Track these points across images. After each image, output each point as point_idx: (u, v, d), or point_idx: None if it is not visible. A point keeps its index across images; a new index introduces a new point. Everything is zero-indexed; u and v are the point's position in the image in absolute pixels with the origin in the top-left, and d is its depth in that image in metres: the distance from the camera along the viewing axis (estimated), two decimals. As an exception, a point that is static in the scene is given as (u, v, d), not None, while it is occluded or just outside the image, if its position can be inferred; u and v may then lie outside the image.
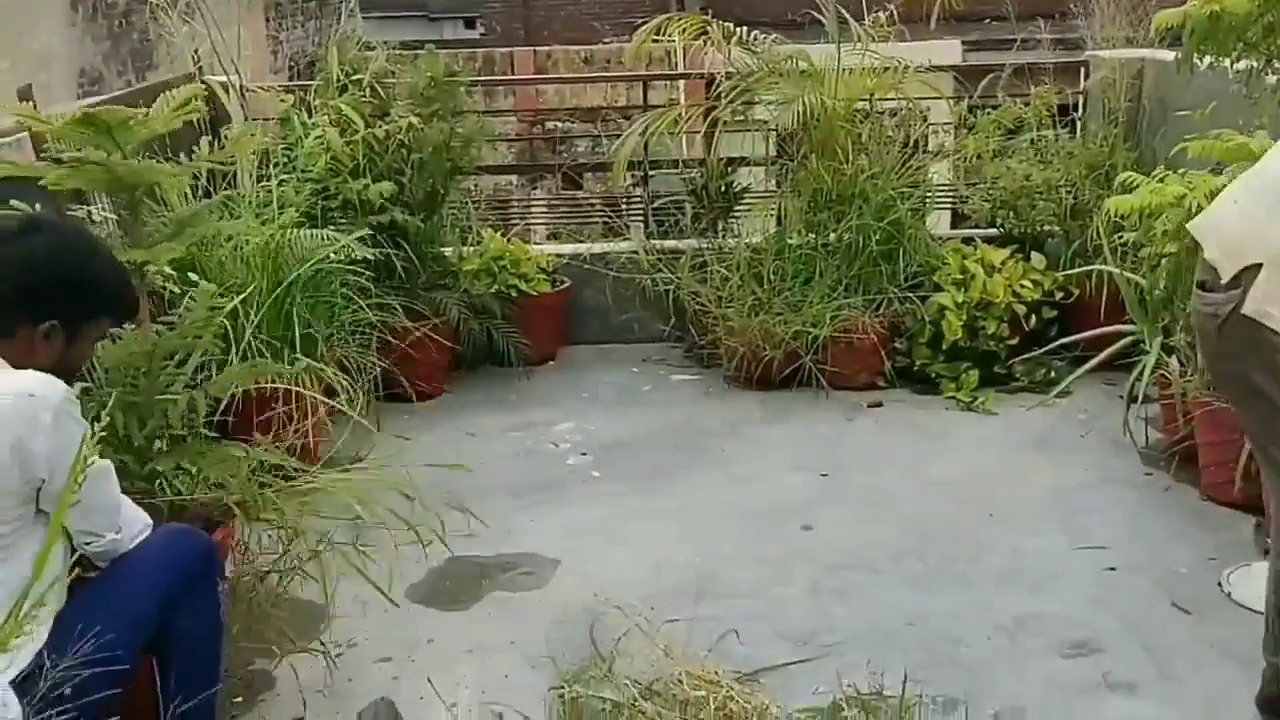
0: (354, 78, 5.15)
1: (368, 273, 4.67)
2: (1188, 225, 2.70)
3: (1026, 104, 5.63)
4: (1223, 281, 2.47)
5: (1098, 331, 4.81)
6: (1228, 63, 3.73)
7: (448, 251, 5.42)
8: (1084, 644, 3.23)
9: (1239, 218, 2.51)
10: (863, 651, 3.15)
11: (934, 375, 5.19)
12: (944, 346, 5.17)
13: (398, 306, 4.85)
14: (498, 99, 8.49)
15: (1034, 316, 5.19)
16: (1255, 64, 3.74)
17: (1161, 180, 3.99)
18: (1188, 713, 2.91)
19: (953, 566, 3.69)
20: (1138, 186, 4.02)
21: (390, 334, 4.78)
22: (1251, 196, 2.51)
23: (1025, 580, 3.59)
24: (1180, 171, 4.03)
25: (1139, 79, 5.52)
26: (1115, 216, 4.17)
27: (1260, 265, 2.41)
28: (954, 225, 6.05)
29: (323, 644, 3.22)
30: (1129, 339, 4.62)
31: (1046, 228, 5.52)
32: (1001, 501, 4.13)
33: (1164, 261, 4.20)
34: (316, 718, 2.98)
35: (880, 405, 5.09)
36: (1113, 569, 3.65)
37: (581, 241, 5.97)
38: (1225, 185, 2.71)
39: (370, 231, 4.75)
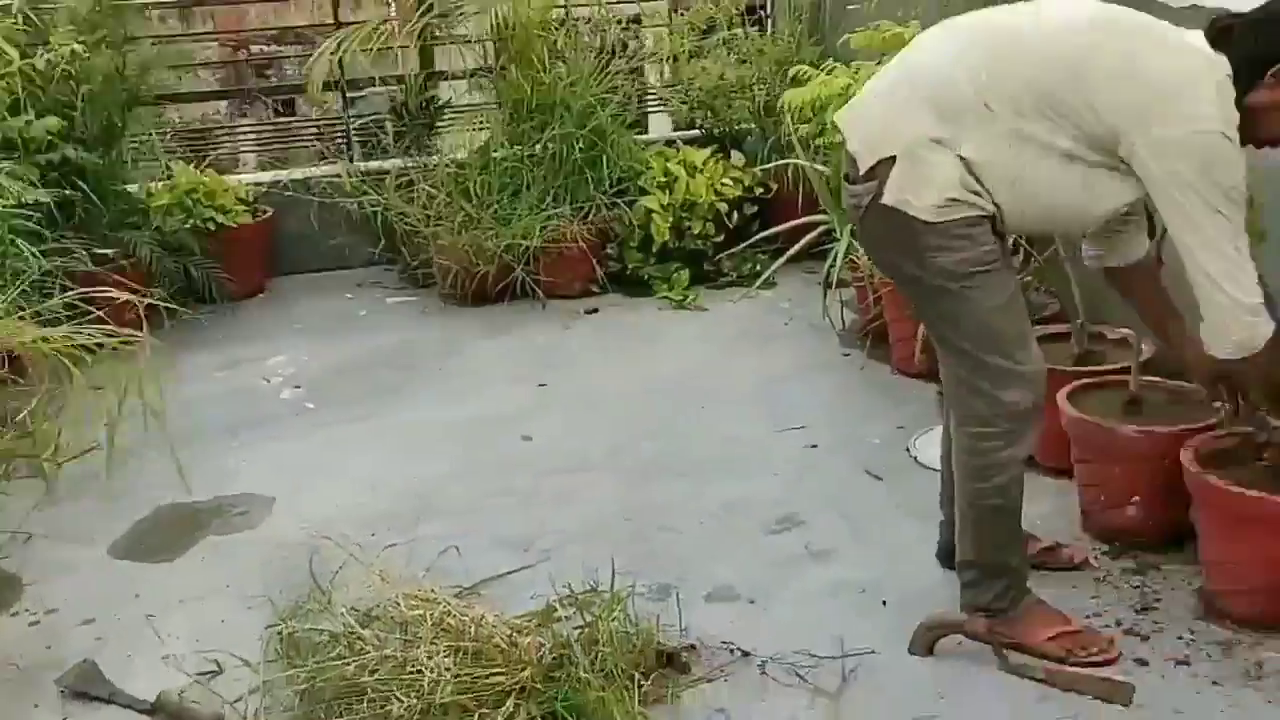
0: (1, 3, 4.74)
1: (37, 215, 4.34)
2: (834, 117, 2.74)
3: (717, 4, 5.74)
4: (861, 173, 2.53)
5: (795, 223, 5.01)
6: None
7: (133, 188, 5.12)
8: (788, 519, 3.41)
9: (881, 111, 2.55)
10: (580, 552, 3.22)
11: (646, 278, 5.31)
12: (654, 249, 5.28)
13: (81, 251, 4.54)
14: (196, 23, 8.00)
15: (736, 213, 5.36)
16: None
17: (830, 73, 4.15)
18: (877, 570, 3.12)
19: (666, 460, 3.81)
20: (810, 80, 4.17)
21: (72, 280, 4.47)
22: (891, 89, 2.55)
23: (734, 466, 3.75)
24: (852, 64, 4.21)
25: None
26: (792, 110, 4.31)
27: (896, 157, 2.47)
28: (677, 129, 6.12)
29: (15, 614, 3.04)
30: (823, 228, 4.84)
31: (744, 126, 5.68)
32: (712, 394, 4.29)
33: (834, 152, 4.37)
34: (11, 694, 2.82)
35: (596, 311, 5.18)
36: (814, 447, 3.86)
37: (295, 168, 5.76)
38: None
39: (39, 171, 4.42)
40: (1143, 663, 2.72)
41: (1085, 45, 2.41)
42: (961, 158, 2.45)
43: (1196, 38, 2.43)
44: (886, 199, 2.48)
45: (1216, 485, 2.77)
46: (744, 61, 5.61)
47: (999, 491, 2.66)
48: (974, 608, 2.76)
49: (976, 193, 2.47)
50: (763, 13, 6.03)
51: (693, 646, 2.79)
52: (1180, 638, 2.80)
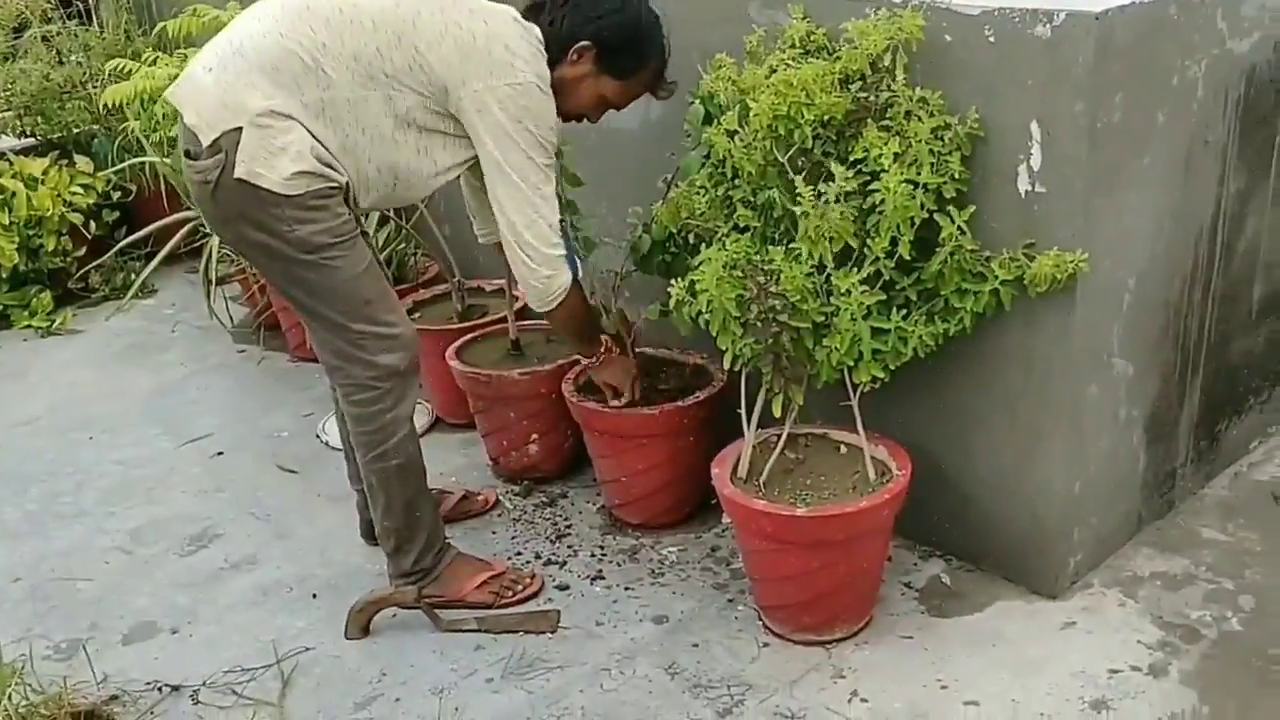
0: None
1: None
2: (165, 94, 2.62)
3: (23, -1, 5.23)
4: (204, 146, 2.45)
5: (161, 223, 4.69)
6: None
7: None
8: (203, 535, 3.25)
9: (214, 83, 2.46)
10: (-33, 628, 2.86)
11: (2, 309, 4.76)
12: (3, 276, 4.74)
13: None
14: None
15: (94, 222, 4.95)
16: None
17: (153, 64, 3.93)
18: (304, 565, 3.06)
19: (57, 503, 3.47)
20: (133, 73, 3.92)
21: None
22: (223, 62, 2.48)
23: (137, 493, 3.50)
24: (177, 52, 4.00)
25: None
26: (114, 105, 4.03)
27: (241, 129, 2.42)
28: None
29: None
30: (193, 223, 4.59)
31: (85, 128, 5.24)
32: (101, 420, 3.96)
33: (176, 146, 4.16)
34: None
35: None
36: (220, 454, 3.69)
37: None
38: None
39: None
40: (564, 587, 2.91)
41: (409, 9, 2.49)
42: (308, 128, 2.44)
43: (508, 9, 2.58)
44: (238, 172, 2.41)
45: (594, 409, 3.00)
46: (68, 59, 5.15)
47: (397, 450, 2.69)
48: (401, 575, 2.79)
49: (329, 165, 2.47)
50: (81, 5, 5.56)
51: (115, 697, 2.59)
52: (592, 555, 3.03)
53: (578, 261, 2.74)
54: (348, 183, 2.53)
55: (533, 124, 2.51)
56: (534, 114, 2.51)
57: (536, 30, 2.58)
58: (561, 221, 2.62)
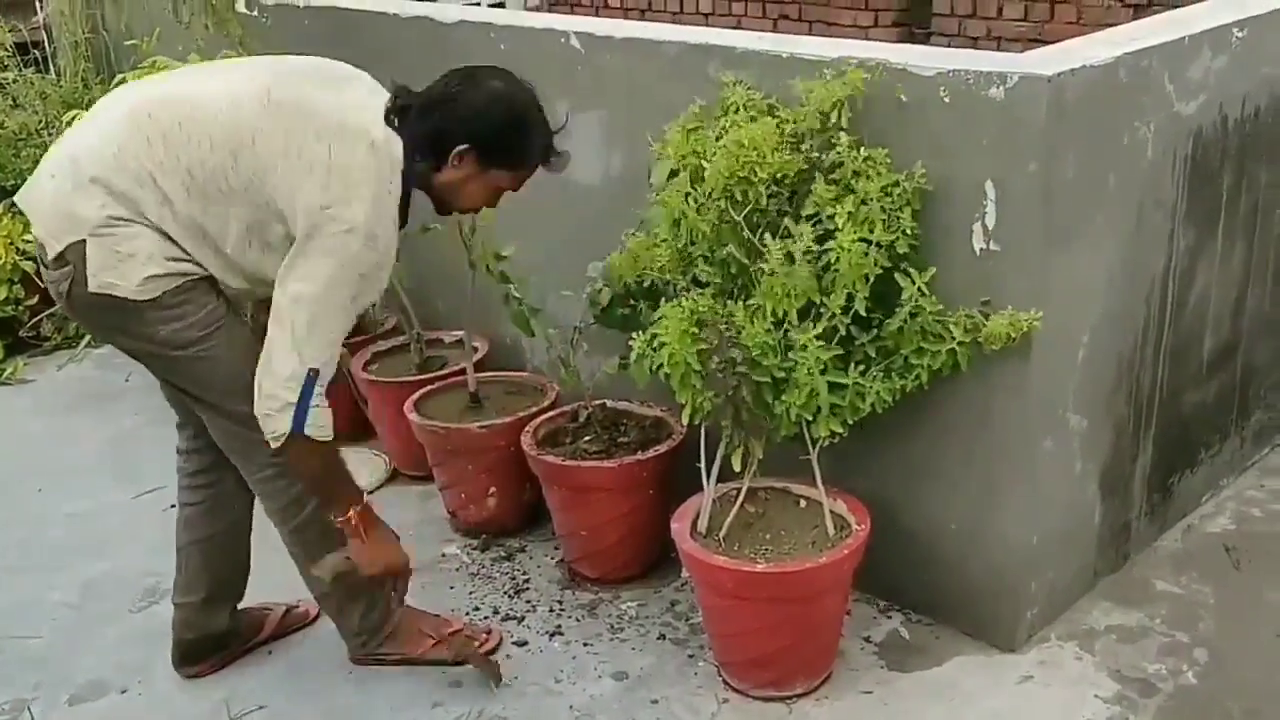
0: None
1: None
2: (15, 198, 2.46)
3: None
4: (51, 259, 2.34)
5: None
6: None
7: None
8: (155, 590, 3.18)
9: (54, 193, 2.34)
10: (-92, 689, 2.79)
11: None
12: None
13: None
14: None
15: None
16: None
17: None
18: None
19: (4, 557, 3.40)
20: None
21: None
22: (62, 171, 2.36)
23: (89, 545, 3.44)
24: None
25: (97, 8, 5.36)
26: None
27: (84, 240, 2.30)
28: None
29: None
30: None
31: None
32: (52, 471, 3.90)
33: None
34: None
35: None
36: (174, 506, 3.62)
37: None
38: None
39: None
40: (522, 643, 2.89)
41: (250, 129, 2.34)
42: (158, 229, 2.34)
43: (375, 116, 2.39)
44: (91, 285, 2.32)
45: (554, 462, 3.00)
46: (22, 106, 5.11)
47: (313, 517, 2.59)
48: (351, 635, 2.75)
49: (181, 259, 2.37)
50: (38, 52, 5.53)
51: (58, 761, 2.53)
52: (551, 610, 3.01)
53: (309, 420, 2.35)
54: (208, 275, 2.41)
55: (343, 269, 2.31)
56: (351, 260, 2.31)
57: (396, 148, 2.37)
58: (315, 374, 2.33)
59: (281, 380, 2.32)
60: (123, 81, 3.97)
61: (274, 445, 2.38)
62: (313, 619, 3.00)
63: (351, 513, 2.51)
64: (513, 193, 2.56)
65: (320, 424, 2.37)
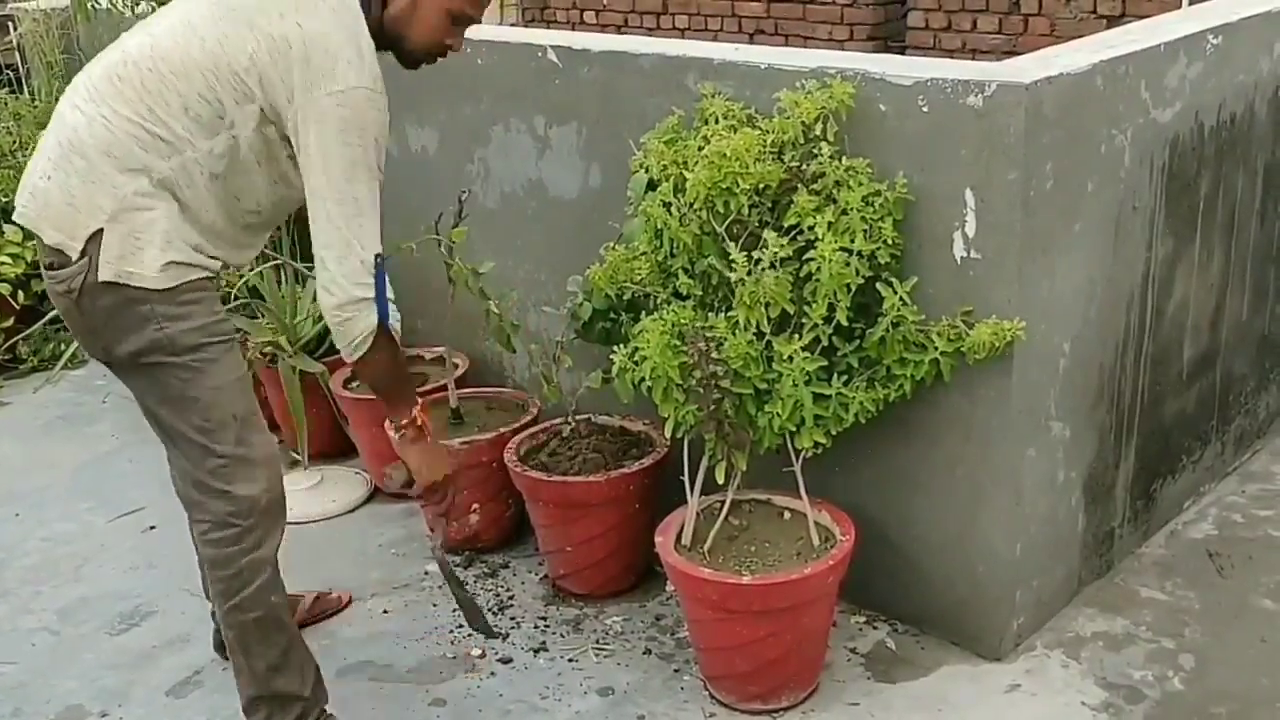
0: None
1: None
2: (14, 216, 2.34)
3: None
4: (74, 259, 2.24)
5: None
6: (125, 6, 3.71)
7: None
8: (135, 613, 3.16)
9: (59, 190, 2.25)
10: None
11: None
12: None
13: None
14: None
15: (23, 291, 4.86)
16: (153, 5, 3.77)
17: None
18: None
19: (-19, 583, 3.37)
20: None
21: None
22: (58, 166, 2.26)
23: (66, 570, 3.40)
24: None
25: (68, 29, 5.33)
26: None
27: (101, 230, 2.22)
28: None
29: None
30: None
31: (14, 196, 5.15)
32: (27, 495, 3.85)
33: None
34: None
35: None
36: (153, 528, 3.60)
37: None
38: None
39: None
40: (506, 660, 2.86)
41: (215, 38, 2.24)
42: (175, 198, 2.26)
43: None
44: (104, 275, 2.22)
45: (535, 478, 2.98)
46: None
47: (255, 601, 2.42)
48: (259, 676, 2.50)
49: (199, 249, 2.31)
50: (11, 73, 5.50)
51: (38, 787, 2.49)
52: (536, 626, 2.98)
53: (390, 307, 2.39)
54: (221, 268, 2.39)
55: (356, 137, 2.23)
56: (357, 125, 2.23)
57: (353, 1, 2.28)
58: (379, 259, 2.30)
59: (352, 280, 2.26)
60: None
61: (359, 352, 2.32)
62: (345, 604, 3.08)
63: (417, 411, 2.49)
64: (469, 22, 2.42)
65: (396, 315, 2.33)
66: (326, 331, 3.81)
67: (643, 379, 2.54)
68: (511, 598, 3.11)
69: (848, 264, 2.44)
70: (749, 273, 2.44)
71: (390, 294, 2.30)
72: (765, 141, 2.53)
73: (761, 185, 2.51)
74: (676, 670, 2.79)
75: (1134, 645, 2.77)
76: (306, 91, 2.22)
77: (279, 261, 3.79)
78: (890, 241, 2.49)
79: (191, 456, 2.39)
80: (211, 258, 2.35)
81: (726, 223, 2.53)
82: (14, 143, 5.08)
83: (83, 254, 2.24)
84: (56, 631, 3.11)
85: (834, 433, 2.53)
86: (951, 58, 6.24)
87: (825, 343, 2.50)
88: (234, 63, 2.24)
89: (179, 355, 2.31)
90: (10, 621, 3.16)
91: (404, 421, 2.51)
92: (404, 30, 2.36)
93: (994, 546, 2.69)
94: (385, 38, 2.35)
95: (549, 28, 7.78)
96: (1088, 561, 2.96)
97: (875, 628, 2.89)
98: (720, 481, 2.61)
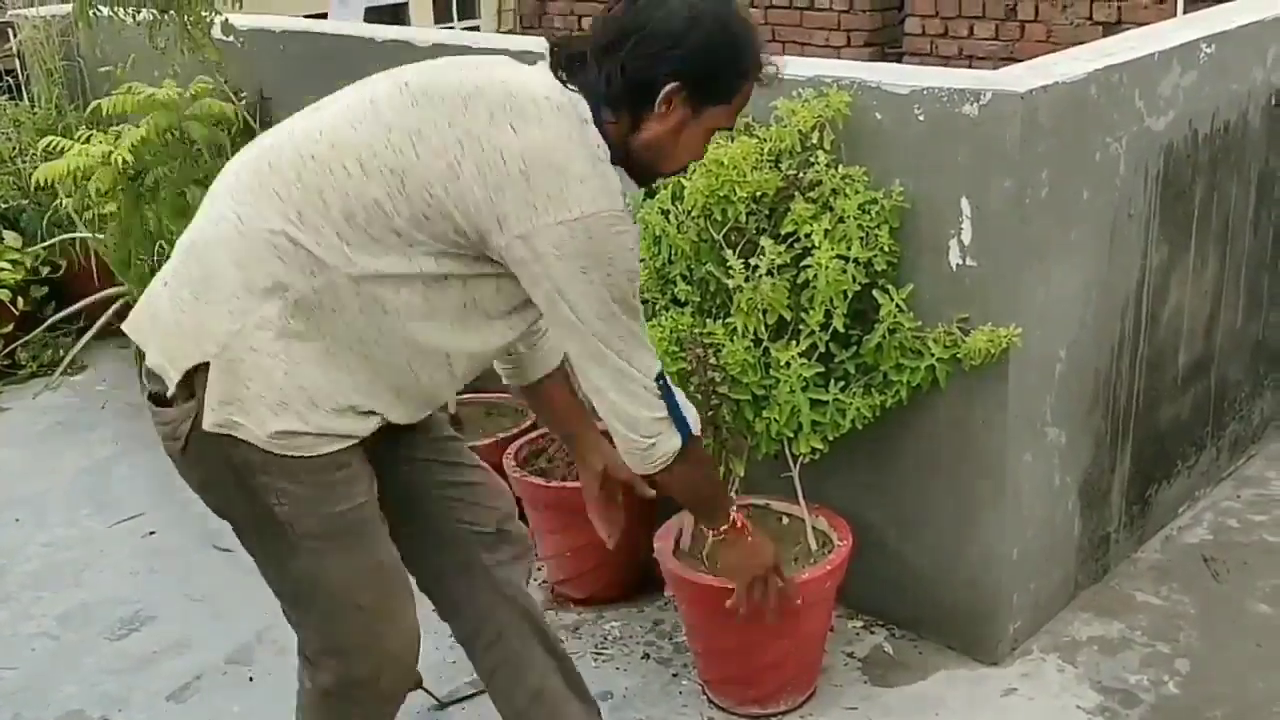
0: None
1: None
2: (124, 328, 1.94)
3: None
4: (170, 392, 1.82)
5: (92, 298, 4.66)
6: (127, 14, 3.72)
7: None
8: (135, 618, 3.17)
9: (169, 304, 1.82)
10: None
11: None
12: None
13: None
14: None
15: (22, 298, 4.87)
16: (155, 14, 3.79)
17: (87, 141, 3.91)
18: (242, 646, 3.00)
19: (-19, 589, 3.38)
20: (66, 151, 3.90)
21: None
22: (176, 272, 1.86)
23: (65, 576, 3.41)
24: (112, 130, 3.98)
25: (70, 34, 5.34)
26: (49, 184, 3.99)
27: (208, 364, 1.78)
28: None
29: None
30: (124, 300, 4.54)
31: (15, 202, 5.17)
32: (27, 501, 3.86)
33: (110, 222, 4.14)
34: None
35: None
36: (153, 533, 3.61)
37: None
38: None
39: None
40: (505, 665, 2.87)
41: (404, 136, 1.80)
42: (311, 342, 1.80)
43: (537, 75, 1.88)
44: (208, 422, 1.79)
45: (535, 483, 2.99)
46: (-1, 132, 5.10)
47: None
48: None
49: (336, 409, 1.83)
50: (11, 79, 5.51)
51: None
52: (534, 631, 2.99)
53: (689, 418, 2.01)
54: (363, 431, 1.88)
55: (605, 269, 1.81)
56: (605, 254, 1.80)
57: (583, 107, 1.83)
58: (661, 379, 1.94)
59: (644, 418, 1.93)
60: (98, 109, 3.99)
61: (659, 468, 2.00)
62: None
63: (735, 514, 2.26)
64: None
65: (695, 415, 2.02)
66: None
67: (641, 385, 2.55)
68: (510, 603, 3.12)
69: (844, 271, 2.46)
70: (746, 280, 2.46)
71: (682, 399, 2.00)
72: (762, 150, 2.56)
73: (759, 193, 2.53)
74: (675, 675, 2.80)
75: (1129, 649, 2.79)
76: (530, 219, 1.77)
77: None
78: (887, 249, 2.51)
79: (304, 633, 2.05)
80: (365, 413, 1.87)
81: (724, 230, 2.55)
82: (14, 149, 5.09)
83: (186, 388, 1.81)
84: (57, 636, 3.12)
85: (831, 438, 2.55)
86: (948, 64, 6.27)
87: (822, 349, 2.52)
88: (428, 169, 1.78)
89: (300, 538, 1.89)
90: (10, 627, 3.17)
91: (723, 528, 2.26)
92: (656, 157, 1.92)
93: (991, 551, 2.70)
94: (629, 159, 1.90)
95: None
96: (1084, 566, 2.98)
97: (872, 632, 2.91)
98: (718, 487, 2.62)
